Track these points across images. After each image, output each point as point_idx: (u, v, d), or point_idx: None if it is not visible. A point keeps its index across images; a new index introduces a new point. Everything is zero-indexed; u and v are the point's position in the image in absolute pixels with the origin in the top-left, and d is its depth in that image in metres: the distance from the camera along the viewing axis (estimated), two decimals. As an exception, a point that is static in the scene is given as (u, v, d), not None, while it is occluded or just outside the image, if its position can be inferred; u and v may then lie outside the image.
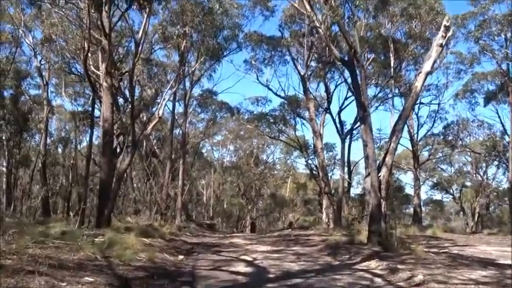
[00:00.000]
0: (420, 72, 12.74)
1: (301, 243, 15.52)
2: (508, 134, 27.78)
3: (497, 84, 27.74)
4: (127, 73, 20.60)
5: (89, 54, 17.25)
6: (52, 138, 38.84)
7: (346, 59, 14.21)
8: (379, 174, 12.48)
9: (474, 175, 37.49)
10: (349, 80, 14.26)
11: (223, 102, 31.24)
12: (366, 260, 9.87)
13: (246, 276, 7.73)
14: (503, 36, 23.79)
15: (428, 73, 12.88)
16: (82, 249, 7.97)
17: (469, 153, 35.06)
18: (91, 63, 17.66)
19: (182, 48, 19.44)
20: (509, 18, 21.34)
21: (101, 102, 16.75)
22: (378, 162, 12.93)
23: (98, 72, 16.32)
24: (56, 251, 7.72)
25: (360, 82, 13.16)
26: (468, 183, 38.45)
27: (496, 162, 32.79)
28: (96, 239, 9.83)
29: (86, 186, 14.02)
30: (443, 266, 9.15)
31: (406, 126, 21.11)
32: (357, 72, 13.43)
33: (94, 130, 25.72)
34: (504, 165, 30.33)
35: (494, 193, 36.74)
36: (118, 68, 17.70)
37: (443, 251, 12.57)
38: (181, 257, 10.17)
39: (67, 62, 21.70)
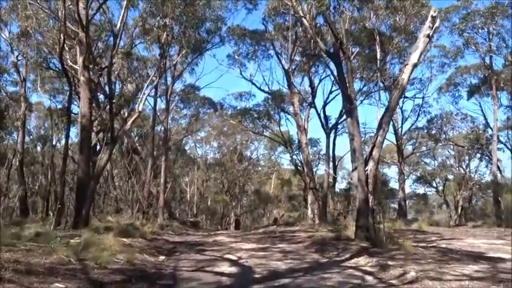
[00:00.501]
0: (407, 64, 12.48)
1: (287, 239, 15.17)
2: (490, 127, 27.99)
3: (480, 77, 27.91)
4: (106, 68, 20.03)
5: (67, 48, 16.64)
6: (31, 137, 37.77)
7: (331, 51, 13.86)
8: (366, 168, 12.21)
9: (457, 168, 37.84)
10: (335, 73, 13.88)
11: (206, 97, 30.73)
12: (354, 257, 9.57)
13: (230, 277, 7.33)
14: (486, 30, 23.88)
15: (415, 65, 12.62)
16: (55, 251, 7.45)
17: (452, 147, 35.32)
18: (68, 57, 16.98)
19: (163, 40, 18.80)
20: (493, 11, 21.39)
21: (79, 97, 16.06)
22: (364, 155, 12.67)
23: (75, 66, 15.66)
24: (27, 254, 7.20)
25: (345, 74, 12.86)
26: (451, 177, 38.80)
27: (478, 155, 33.08)
28: (71, 241, 9.29)
29: (62, 184, 13.39)
30: (434, 261, 8.91)
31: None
32: (343, 64, 13.14)
33: (73, 127, 25.12)
34: (487, 157, 30.61)
35: (477, 186, 37.13)
36: (97, 63, 17.04)
37: (432, 245, 12.36)
38: (162, 257, 9.70)
39: (44, 57, 20.92)
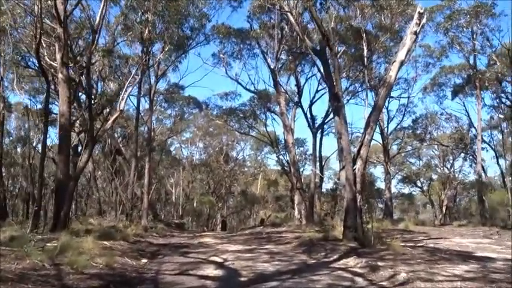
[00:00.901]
0: (394, 61, 12.34)
1: (274, 241, 14.89)
2: (474, 127, 28.21)
3: (463, 77, 28.08)
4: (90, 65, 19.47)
5: (44, 45, 16.08)
6: (11, 138, 36.77)
7: (318, 49, 13.62)
8: (353, 167, 12.01)
9: (441, 168, 38.09)
10: (322, 71, 13.65)
11: (190, 97, 30.22)
12: (343, 258, 9.34)
13: (215, 280, 6.99)
14: (470, 29, 24.01)
15: (402, 62, 12.51)
16: (28, 256, 7.02)
17: (436, 147, 35.53)
18: (47, 55, 16.42)
19: (145, 36, 18.34)
20: (477, 10, 21.50)
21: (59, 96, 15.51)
22: (352, 155, 12.46)
23: (54, 64, 15.12)
24: (-3, 259, 6.75)
25: (332, 72, 12.65)
26: (435, 176, 39.04)
27: (462, 155, 33.31)
28: (48, 244, 8.85)
29: (39, 186, 12.85)
30: (424, 262, 8.74)
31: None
32: (330, 62, 12.93)
33: (54, 127, 24.34)
34: (471, 157, 30.82)
35: (461, 185, 37.43)
36: (77, 61, 16.51)
37: (420, 244, 12.24)
38: (144, 260, 9.30)
39: (22, 55, 20.24)
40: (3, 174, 31.75)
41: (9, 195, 34.75)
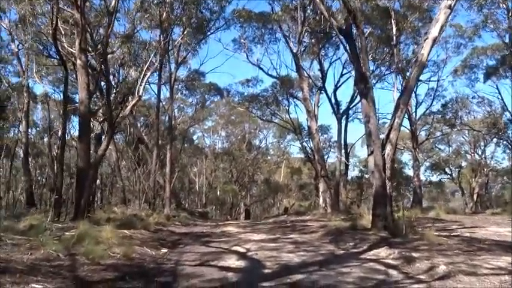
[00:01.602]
0: (427, 38, 11.48)
1: (299, 230, 14.36)
2: (509, 110, 26.81)
3: (497, 58, 26.61)
4: (110, 54, 19.23)
5: (62, 32, 15.89)
6: (38, 128, 37.39)
7: (343, 28, 12.87)
8: (383, 152, 11.31)
9: (472, 154, 36.61)
10: (347, 52, 12.90)
11: (211, 83, 29.76)
12: (373, 248, 8.74)
13: (237, 272, 6.55)
14: (506, 6, 22.57)
15: (436, 39, 11.64)
16: (44, 246, 6.74)
17: (467, 132, 34.11)
18: (65, 41, 16.24)
19: (163, 18, 17.86)
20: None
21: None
22: (381, 139, 11.76)
23: (74, 50, 14.90)
24: (12, 249, 6.50)
25: (359, 51, 11.92)
26: (465, 163, 37.61)
27: (495, 140, 31.84)
28: (66, 233, 8.61)
29: (60, 174, 12.72)
30: (462, 252, 8.08)
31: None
32: (357, 41, 12.21)
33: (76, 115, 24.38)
34: (505, 142, 29.39)
35: (493, 172, 35.93)
36: (98, 49, 16.25)
37: (454, 234, 11.50)
38: (164, 250, 8.95)
39: (43, 44, 20.24)
40: (31, 164, 32.37)
41: (37, 185, 35.39)
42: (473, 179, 35.42)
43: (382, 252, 8.18)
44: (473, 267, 6.52)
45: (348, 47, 12.04)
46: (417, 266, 6.76)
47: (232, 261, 7.55)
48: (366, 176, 31.06)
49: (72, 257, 6.45)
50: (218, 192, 42.43)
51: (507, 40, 24.20)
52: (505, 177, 34.88)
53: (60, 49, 13.84)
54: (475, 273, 6.12)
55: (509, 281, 5.68)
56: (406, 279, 6.02)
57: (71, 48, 16.26)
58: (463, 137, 36.50)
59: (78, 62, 13.15)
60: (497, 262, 7.08)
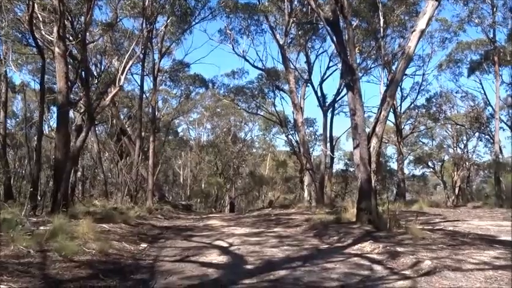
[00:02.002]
0: (414, 30, 11.36)
1: (283, 223, 14.23)
2: (491, 105, 27.11)
3: (481, 53, 26.82)
4: (91, 43, 18.67)
5: (40, 18, 15.30)
6: (17, 119, 36.47)
7: (330, 18, 12.64)
8: (368, 146, 11.19)
9: (455, 148, 37.02)
10: (334, 42, 12.68)
11: (196, 74, 29.28)
12: (358, 242, 8.61)
13: (218, 268, 6.32)
14: (490, 1, 22.67)
15: (423, 31, 11.52)
16: (14, 241, 6.40)
17: (450, 127, 34.46)
18: (42, 29, 15.65)
19: (145, 5, 17.36)
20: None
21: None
22: (367, 132, 11.62)
23: (51, 37, 14.38)
24: (-22, 245, 6.15)
25: (347, 42, 11.73)
26: (448, 157, 38.04)
27: (477, 135, 32.22)
28: (41, 228, 8.25)
29: (37, 165, 12.28)
30: (446, 247, 8.00)
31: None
32: (344, 32, 12.00)
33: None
34: (487, 137, 29.76)
35: (475, 166, 36.41)
36: (78, 37, 15.71)
37: (438, 227, 11.49)
38: (144, 245, 8.66)
39: (22, 32, 19.58)
40: (10, 156, 31.49)
41: (16, 177, 34.51)
42: (455, 173, 35.84)
43: (367, 246, 8.06)
44: (458, 263, 6.42)
45: (334, 38, 11.83)
46: (402, 261, 6.64)
47: (214, 257, 7.33)
48: (351, 169, 31.19)
49: (44, 253, 6.12)
50: (203, 185, 42.14)
51: (491, 35, 24.37)
52: (486, 171, 35.34)
53: (37, 37, 13.28)
54: (460, 268, 6.01)
55: (494, 277, 5.58)
56: (391, 275, 5.87)
57: (50, 36, 15.72)
58: (446, 131, 36.89)
59: (57, 50, 12.65)
60: (481, 257, 7.01)
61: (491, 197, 25.16)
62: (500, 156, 26.27)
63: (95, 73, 22.22)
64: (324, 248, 8.48)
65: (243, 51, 24.64)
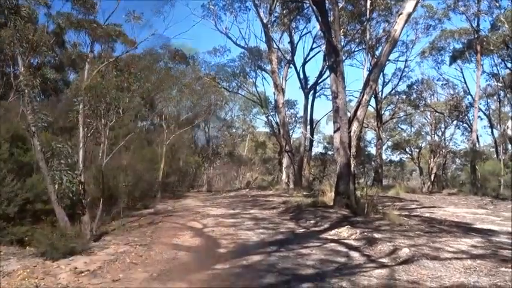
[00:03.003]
0: (401, 14, 11.07)
1: (260, 205, 14.01)
2: (471, 94, 27.34)
3: (463, 42, 26.83)
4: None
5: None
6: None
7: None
8: (349, 130, 10.97)
9: (432, 136, 37.46)
10: (319, 21, 12.29)
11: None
12: (335, 227, 8.43)
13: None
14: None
15: (410, 15, 11.25)
16: None
17: (429, 114, 34.71)
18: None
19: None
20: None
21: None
22: (348, 116, 11.40)
23: None
24: None
25: (332, 22, 11.37)
26: (425, 144, 38.50)
27: (455, 123, 32.58)
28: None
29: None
30: (423, 234, 7.93)
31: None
32: (329, 12, 11.63)
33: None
34: (465, 125, 30.14)
35: (451, 154, 36.99)
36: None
37: (415, 214, 11.50)
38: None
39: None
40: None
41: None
42: (432, 160, 36.36)
43: (344, 231, 7.89)
44: (436, 251, 6.32)
45: (320, 18, 11.43)
46: (379, 248, 6.49)
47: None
48: (330, 152, 31.17)
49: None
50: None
51: (475, 24, 24.36)
52: (461, 159, 35.98)
53: None
54: (438, 257, 5.90)
55: (472, 267, 5.47)
56: (368, 262, 5.70)
57: None
58: (425, 119, 37.16)
59: None
60: (458, 245, 6.94)
61: (467, 184, 25.58)
62: (477, 145, 26.63)
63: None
64: (300, 232, 8.29)
65: (226, 28, 23.96)
